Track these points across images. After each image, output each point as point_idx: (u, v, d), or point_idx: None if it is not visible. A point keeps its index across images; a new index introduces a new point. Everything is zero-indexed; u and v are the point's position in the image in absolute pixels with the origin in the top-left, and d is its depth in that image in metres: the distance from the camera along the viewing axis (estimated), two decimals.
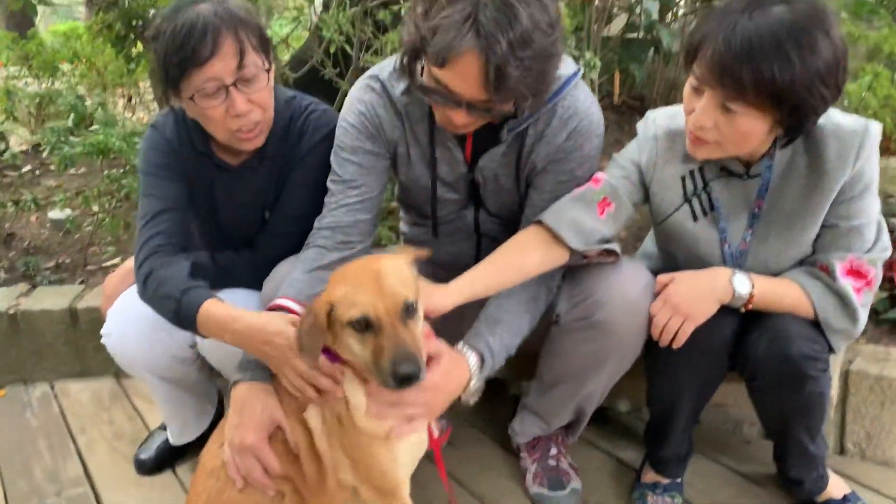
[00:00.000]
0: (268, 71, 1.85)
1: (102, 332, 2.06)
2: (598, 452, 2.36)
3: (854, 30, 2.92)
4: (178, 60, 1.74)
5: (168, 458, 2.35)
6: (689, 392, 1.94)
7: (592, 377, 1.94)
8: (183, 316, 1.70)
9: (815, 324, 1.76)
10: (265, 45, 1.86)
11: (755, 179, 1.78)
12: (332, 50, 2.97)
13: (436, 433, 1.70)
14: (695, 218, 1.86)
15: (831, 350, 1.77)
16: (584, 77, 1.90)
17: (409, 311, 1.44)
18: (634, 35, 3.66)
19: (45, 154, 3.74)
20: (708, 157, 1.74)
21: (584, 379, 1.95)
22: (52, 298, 2.98)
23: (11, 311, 2.89)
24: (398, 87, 1.84)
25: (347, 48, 3.05)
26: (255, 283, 1.96)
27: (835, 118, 1.70)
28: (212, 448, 1.68)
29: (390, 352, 1.39)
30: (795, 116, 1.58)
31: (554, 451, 2.19)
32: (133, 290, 2.08)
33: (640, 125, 1.93)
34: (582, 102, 1.83)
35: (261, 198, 2.04)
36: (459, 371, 1.68)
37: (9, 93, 4.00)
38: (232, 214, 2.08)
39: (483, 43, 1.48)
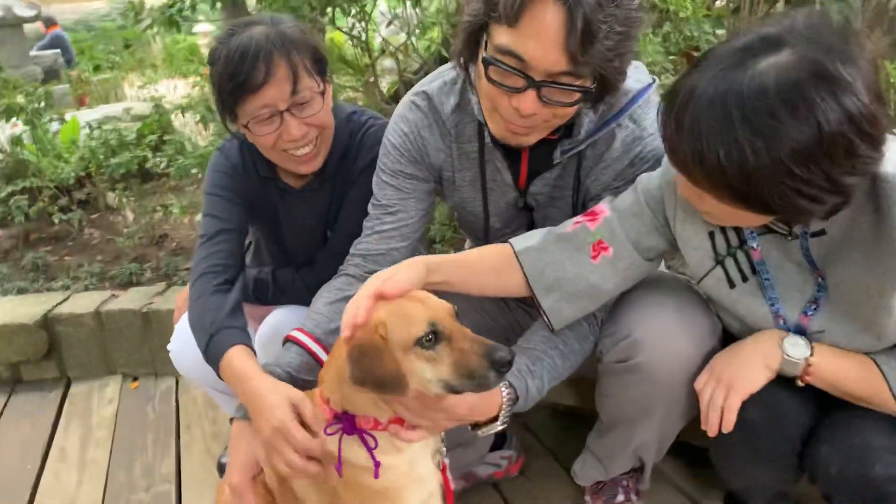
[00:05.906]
0: (322, 93, 1.80)
1: (168, 346, 2.14)
2: (681, 497, 2.10)
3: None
4: (231, 87, 1.71)
5: None
6: (760, 491, 1.68)
7: (643, 424, 1.72)
8: (210, 353, 1.70)
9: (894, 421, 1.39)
10: (320, 66, 1.80)
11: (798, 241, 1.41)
12: None
13: (452, 484, 1.58)
14: (731, 284, 1.50)
15: None
16: None
17: (457, 314, 1.35)
18: None
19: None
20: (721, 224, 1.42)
21: (634, 425, 1.74)
22: None
23: (144, 311, 3.16)
24: (448, 103, 1.71)
25: None
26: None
27: None
28: (222, 485, 1.68)
29: (479, 348, 1.28)
30: (783, 215, 1.24)
31: (621, 497, 1.98)
32: None
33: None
34: (650, 124, 1.58)
35: (323, 218, 2.02)
36: (491, 403, 1.53)
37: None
38: (295, 235, 2.08)
39: None
